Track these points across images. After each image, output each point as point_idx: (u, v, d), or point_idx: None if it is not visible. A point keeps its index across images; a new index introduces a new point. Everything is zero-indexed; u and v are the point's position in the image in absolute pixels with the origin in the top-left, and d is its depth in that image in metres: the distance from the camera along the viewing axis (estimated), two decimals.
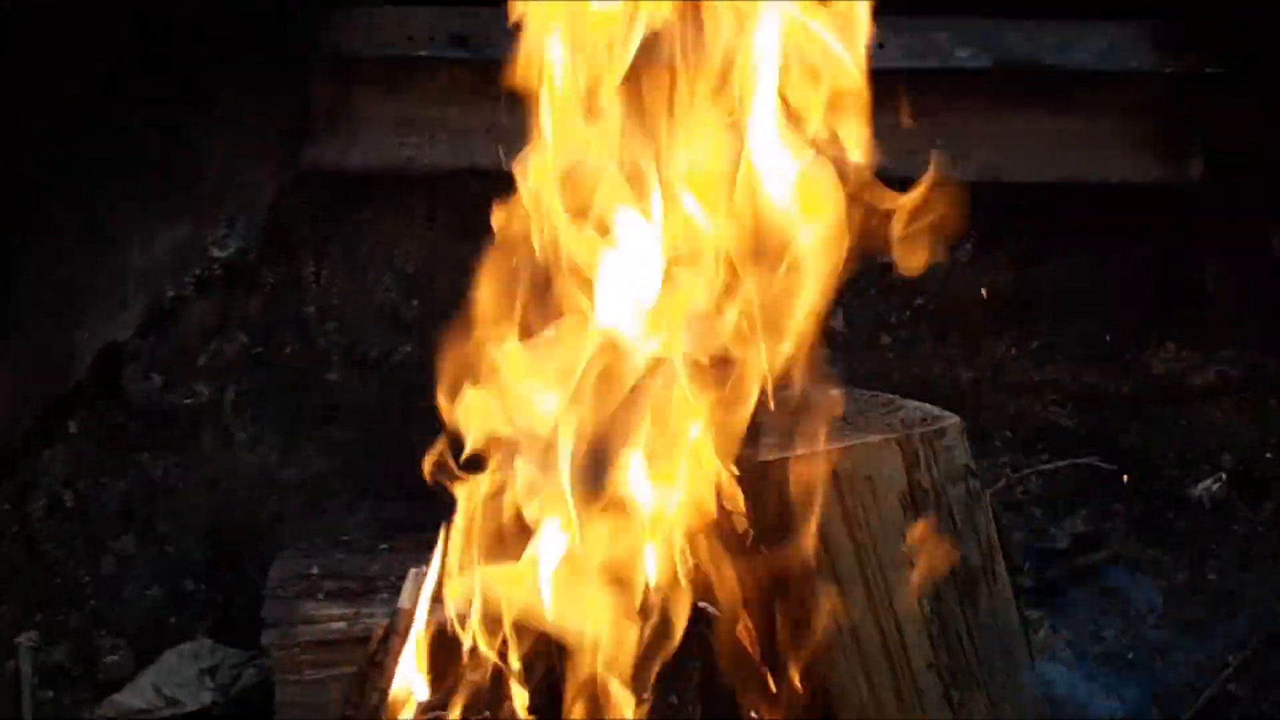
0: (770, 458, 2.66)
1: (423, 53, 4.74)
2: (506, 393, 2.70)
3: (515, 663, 2.64)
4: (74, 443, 4.41)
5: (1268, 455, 4.37)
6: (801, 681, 2.67)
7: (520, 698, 2.62)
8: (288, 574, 3.78)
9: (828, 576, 2.68)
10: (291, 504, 4.36)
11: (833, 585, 2.69)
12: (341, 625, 3.62)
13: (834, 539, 2.68)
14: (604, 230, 2.68)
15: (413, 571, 2.90)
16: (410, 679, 2.81)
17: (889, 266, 2.78)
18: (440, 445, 2.81)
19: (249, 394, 4.57)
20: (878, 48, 2.72)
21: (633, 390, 2.64)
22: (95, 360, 4.51)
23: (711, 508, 2.66)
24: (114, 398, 4.52)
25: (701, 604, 2.68)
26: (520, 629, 2.64)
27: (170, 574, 4.20)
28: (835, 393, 2.85)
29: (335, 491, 4.37)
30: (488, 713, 2.69)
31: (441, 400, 2.78)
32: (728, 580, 2.66)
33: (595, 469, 2.65)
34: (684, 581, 2.64)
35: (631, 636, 2.60)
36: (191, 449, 4.47)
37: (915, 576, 2.73)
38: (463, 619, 2.73)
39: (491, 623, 2.67)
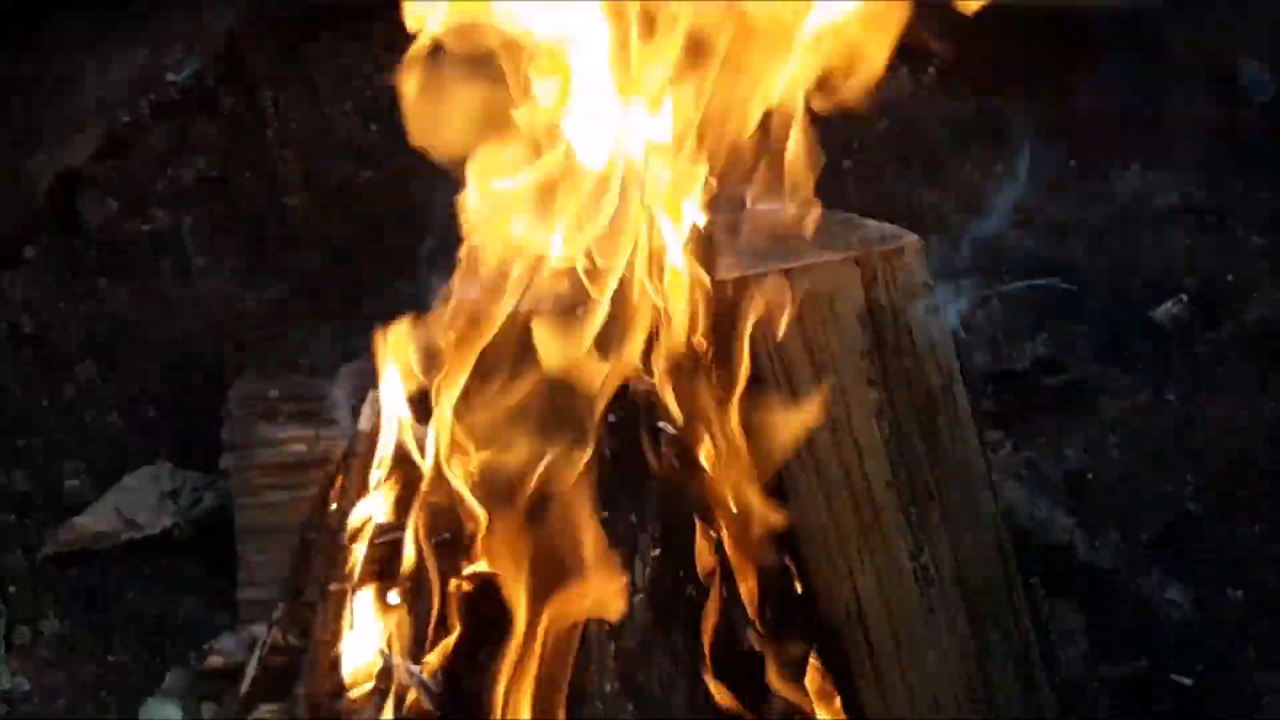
0: (728, 277, 2.64)
1: None
2: None
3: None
4: (32, 269, 4.39)
5: (1229, 278, 4.37)
6: (762, 499, 2.67)
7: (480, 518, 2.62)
8: (247, 397, 3.78)
9: (786, 396, 2.67)
10: (252, 329, 4.34)
11: (792, 405, 2.68)
12: (301, 448, 3.63)
13: (792, 358, 2.67)
14: None
15: (372, 394, 2.89)
16: (370, 501, 2.81)
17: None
18: None
19: (208, 220, 4.54)
20: None
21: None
22: (51, 186, 4.47)
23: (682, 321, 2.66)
24: (72, 225, 4.49)
25: (660, 423, 2.67)
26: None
27: (130, 400, 4.19)
28: (801, 212, 2.83)
29: (295, 317, 4.35)
30: (447, 534, 2.69)
31: None
32: (686, 399, 2.66)
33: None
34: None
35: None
36: (151, 276, 4.45)
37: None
38: (421, 442, 2.73)
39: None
